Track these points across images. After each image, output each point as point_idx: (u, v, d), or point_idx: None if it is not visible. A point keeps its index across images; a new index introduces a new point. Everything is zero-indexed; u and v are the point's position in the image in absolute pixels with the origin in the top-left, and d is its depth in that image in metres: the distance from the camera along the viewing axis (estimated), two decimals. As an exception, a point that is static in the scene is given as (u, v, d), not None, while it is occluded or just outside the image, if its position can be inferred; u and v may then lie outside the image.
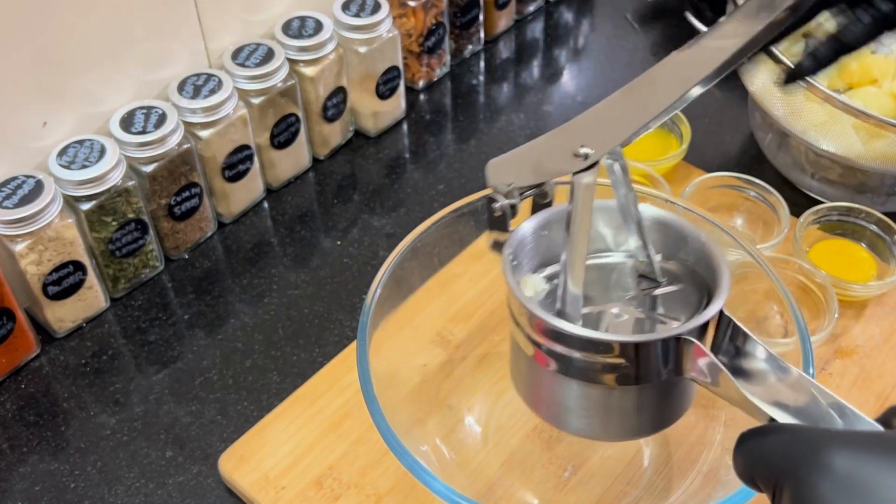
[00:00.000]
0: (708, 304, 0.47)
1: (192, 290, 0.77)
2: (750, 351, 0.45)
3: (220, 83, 0.74)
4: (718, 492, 0.50)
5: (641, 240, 0.51)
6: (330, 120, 0.85)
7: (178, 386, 0.70)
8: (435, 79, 0.95)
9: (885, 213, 0.75)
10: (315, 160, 0.87)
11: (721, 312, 0.46)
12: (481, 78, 0.97)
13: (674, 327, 0.47)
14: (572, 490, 0.61)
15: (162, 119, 0.71)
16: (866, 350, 0.69)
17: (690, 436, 0.61)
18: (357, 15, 0.82)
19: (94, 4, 0.69)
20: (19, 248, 0.66)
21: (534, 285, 0.50)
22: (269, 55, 0.77)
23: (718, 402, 0.59)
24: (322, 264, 0.79)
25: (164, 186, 0.73)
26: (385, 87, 0.87)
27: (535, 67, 0.99)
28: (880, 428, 0.37)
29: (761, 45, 0.46)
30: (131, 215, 0.72)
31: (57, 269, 0.69)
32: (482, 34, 0.99)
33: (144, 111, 0.72)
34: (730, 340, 0.46)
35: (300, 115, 0.82)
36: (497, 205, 0.49)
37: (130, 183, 0.70)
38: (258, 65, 0.76)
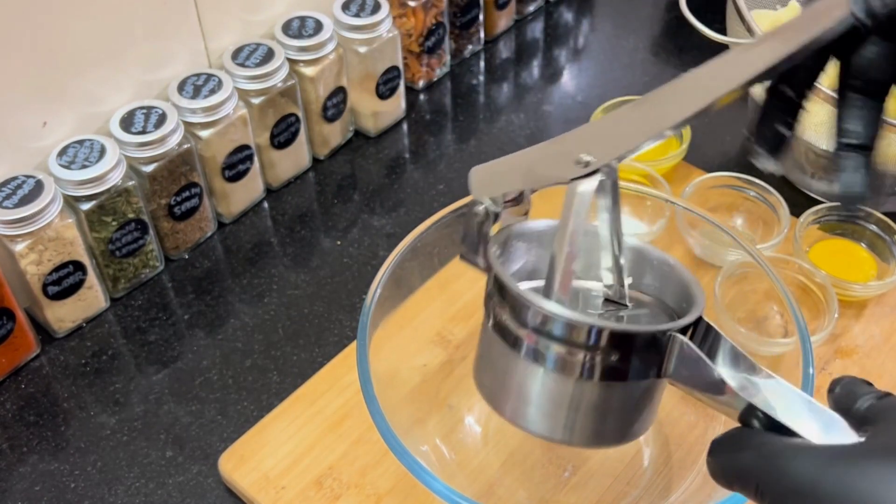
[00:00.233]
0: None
1: (192, 290, 0.77)
2: (731, 359, 0.45)
3: (220, 83, 0.74)
4: (718, 492, 0.50)
5: (616, 265, 0.50)
6: (330, 120, 0.85)
7: (178, 386, 0.70)
8: (435, 79, 0.95)
9: (885, 213, 0.75)
10: (315, 160, 0.87)
11: (702, 320, 0.46)
12: (481, 78, 0.97)
13: (662, 324, 0.46)
14: (572, 490, 0.61)
15: (162, 119, 0.71)
16: (866, 350, 0.69)
17: (690, 436, 0.61)
18: (357, 15, 0.82)
19: (94, 4, 0.69)
20: (19, 248, 0.66)
21: None
22: (269, 55, 0.77)
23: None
24: (322, 264, 0.79)
25: (164, 186, 0.73)
26: (385, 87, 0.87)
27: (535, 67, 0.99)
28: (854, 434, 0.38)
29: (779, 73, 0.45)
30: (131, 215, 0.72)
31: (57, 269, 0.69)
32: (482, 34, 0.99)
33: (144, 111, 0.72)
34: (709, 350, 0.46)
35: (300, 115, 0.82)
36: (480, 207, 0.49)
37: (130, 183, 0.70)
38: (258, 65, 0.76)
